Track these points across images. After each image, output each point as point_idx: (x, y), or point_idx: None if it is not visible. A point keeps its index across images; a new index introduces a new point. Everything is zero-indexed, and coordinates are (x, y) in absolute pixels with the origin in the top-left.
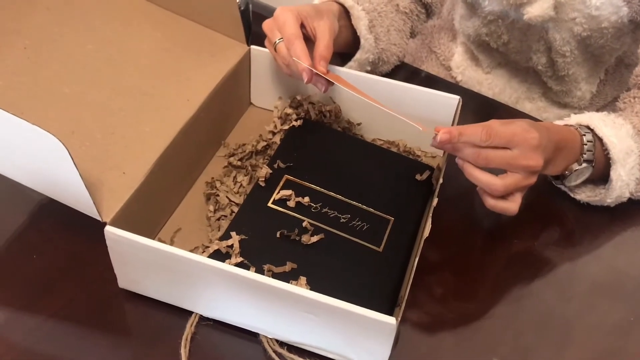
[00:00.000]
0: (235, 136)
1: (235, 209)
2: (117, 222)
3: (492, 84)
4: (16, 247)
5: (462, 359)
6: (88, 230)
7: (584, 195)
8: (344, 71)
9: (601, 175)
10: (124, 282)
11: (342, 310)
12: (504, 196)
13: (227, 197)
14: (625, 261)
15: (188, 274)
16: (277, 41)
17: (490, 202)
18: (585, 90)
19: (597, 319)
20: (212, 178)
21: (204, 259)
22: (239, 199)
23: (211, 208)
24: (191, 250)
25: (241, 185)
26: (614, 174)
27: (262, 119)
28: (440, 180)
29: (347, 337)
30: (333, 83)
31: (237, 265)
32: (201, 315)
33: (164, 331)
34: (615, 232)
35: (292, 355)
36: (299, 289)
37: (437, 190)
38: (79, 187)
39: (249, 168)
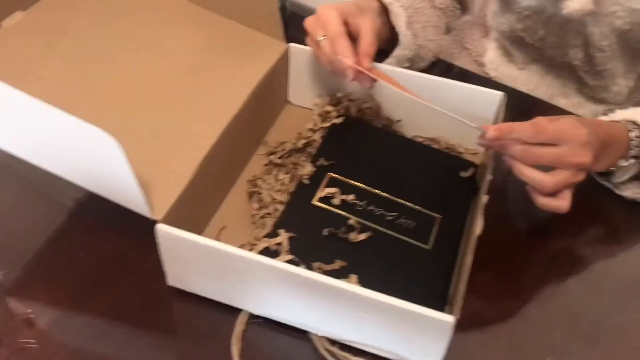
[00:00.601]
0: (274, 134)
1: (279, 207)
2: (168, 220)
3: (527, 80)
4: (62, 246)
5: (515, 358)
6: (133, 228)
7: (630, 192)
8: (386, 68)
9: None
10: (173, 279)
11: (398, 308)
12: (554, 194)
13: (269, 194)
14: None
15: (239, 271)
16: (321, 39)
17: (541, 201)
18: (623, 85)
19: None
20: (254, 176)
21: (256, 256)
22: (282, 197)
23: (255, 206)
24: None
25: (283, 183)
26: None
27: (300, 116)
28: (489, 177)
29: (401, 335)
30: (376, 80)
31: (288, 262)
32: (251, 313)
33: (214, 329)
34: None
35: (344, 354)
36: (355, 287)
37: (487, 187)
38: (131, 185)
39: (290, 166)
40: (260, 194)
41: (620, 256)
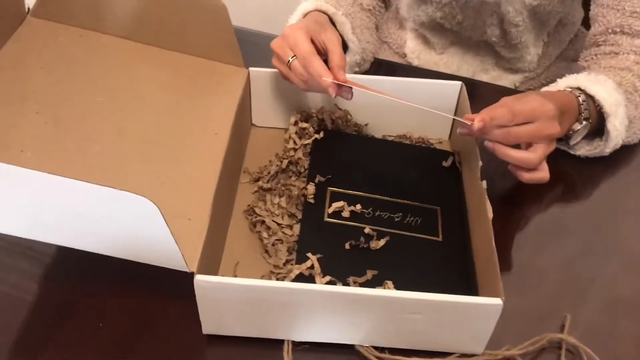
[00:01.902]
0: (251, 160)
1: (287, 231)
2: (200, 270)
3: (448, 62)
4: (78, 320)
5: (527, 320)
6: (144, 287)
7: (584, 150)
8: (350, 76)
9: (594, 130)
10: (209, 327)
11: (448, 303)
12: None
13: (273, 220)
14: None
15: (282, 303)
16: (291, 60)
17: (526, 176)
18: (534, 53)
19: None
20: (249, 205)
21: (302, 285)
22: (285, 220)
23: (265, 235)
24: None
25: (279, 206)
26: (610, 126)
27: (268, 137)
28: (480, 163)
29: (449, 327)
30: (351, 89)
31: (328, 283)
32: (293, 341)
33: None
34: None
35: (396, 357)
36: (406, 294)
37: (480, 172)
38: (169, 244)
39: (282, 188)
40: (264, 222)
41: (581, 204)
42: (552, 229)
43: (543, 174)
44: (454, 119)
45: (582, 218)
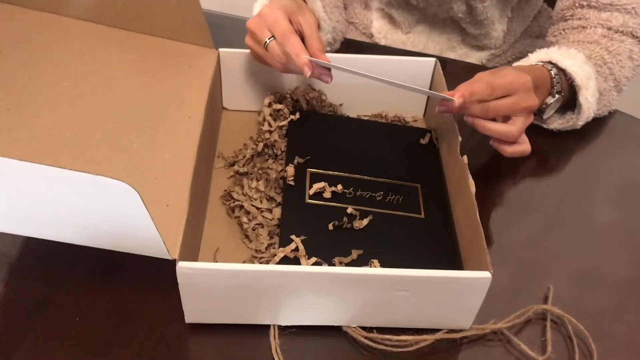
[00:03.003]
0: (224, 144)
1: (267, 215)
2: (182, 257)
3: (415, 41)
4: (53, 317)
5: (509, 294)
6: (120, 279)
7: (557, 124)
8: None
9: (566, 103)
10: (192, 316)
11: (437, 278)
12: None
13: (252, 205)
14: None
15: (269, 287)
16: (268, 40)
17: (509, 150)
18: (499, 30)
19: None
20: (225, 190)
21: (290, 268)
22: (264, 204)
23: (245, 220)
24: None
25: (257, 189)
26: (582, 99)
27: (240, 120)
28: (460, 138)
29: (438, 303)
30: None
31: (314, 265)
32: (279, 326)
33: (250, 351)
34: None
35: (386, 336)
36: (394, 271)
37: (459, 147)
38: (150, 231)
39: (259, 171)
40: (242, 207)
41: (554, 177)
42: (525, 202)
43: (525, 146)
44: (428, 97)
45: (554, 191)
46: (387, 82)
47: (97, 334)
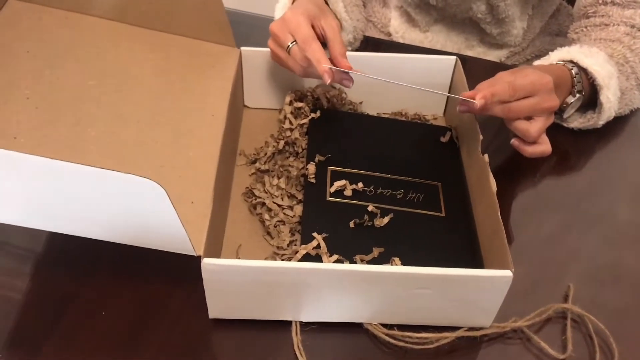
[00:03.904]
0: (245, 142)
1: (288, 212)
2: (206, 254)
3: (433, 41)
4: (79, 311)
5: (529, 292)
6: (144, 275)
7: (577, 122)
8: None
9: (587, 102)
10: (216, 311)
11: (459, 276)
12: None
13: (274, 202)
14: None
15: (292, 284)
16: (291, 45)
17: (529, 150)
18: (520, 27)
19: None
20: (247, 188)
21: (313, 265)
22: (285, 201)
23: (267, 217)
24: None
25: (278, 187)
26: (603, 98)
27: (261, 118)
28: (481, 137)
29: (459, 301)
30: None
31: (336, 262)
32: (301, 322)
33: (272, 346)
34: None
35: (406, 333)
36: (416, 269)
37: (480, 146)
38: (175, 226)
39: (280, 169)
40: (264, 204)
41: (574, 176)
42: (545, 200)
43: (545, 146)
44: (448, 96)
45: (574, 189)
46: (407, 86)
47: (122, 328)
